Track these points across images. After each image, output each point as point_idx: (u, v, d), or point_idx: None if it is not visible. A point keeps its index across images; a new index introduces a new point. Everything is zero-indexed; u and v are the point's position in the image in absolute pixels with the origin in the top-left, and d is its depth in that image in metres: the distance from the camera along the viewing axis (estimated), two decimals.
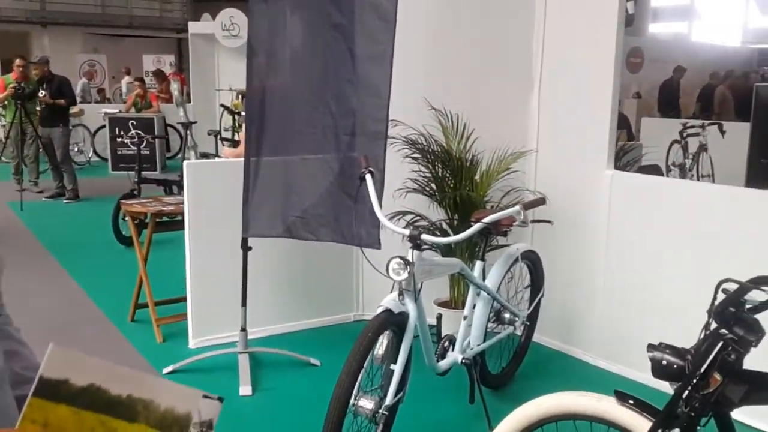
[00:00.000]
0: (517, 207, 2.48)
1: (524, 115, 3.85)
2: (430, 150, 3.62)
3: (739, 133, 8.11)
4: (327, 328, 4.08)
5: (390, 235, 2.88)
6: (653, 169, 5.42)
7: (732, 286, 1.49)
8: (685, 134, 8.10)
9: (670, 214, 3.24)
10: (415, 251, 2.48)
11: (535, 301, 3.39)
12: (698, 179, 7.93)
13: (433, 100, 3.67)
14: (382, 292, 2.51)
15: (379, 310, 2.39)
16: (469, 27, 3.86)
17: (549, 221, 2.58)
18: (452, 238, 2.57)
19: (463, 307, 3.67)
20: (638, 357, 3.41)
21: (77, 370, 0.66)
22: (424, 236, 2.45)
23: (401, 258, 2.40)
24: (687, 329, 3.13)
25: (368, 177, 2.62)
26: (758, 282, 1.38)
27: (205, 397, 0.75)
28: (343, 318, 4.17)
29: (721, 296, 1.54)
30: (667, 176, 6.96)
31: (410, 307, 2.45)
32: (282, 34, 3.28)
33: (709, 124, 8.08)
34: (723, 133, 7.75)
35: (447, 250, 3.44)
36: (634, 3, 3.83)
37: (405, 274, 2.39)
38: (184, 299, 3.77)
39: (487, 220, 2.51)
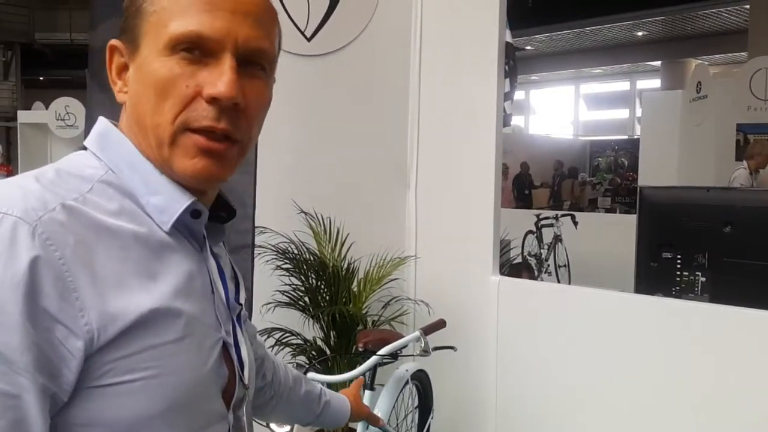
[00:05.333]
0: (417, 333, 2.14)
1: (401, 219, 3.58)
2: (302, 259, 3.24)
3: (589, 222, 8.45)
4: None
5: None
6: (525, 268, 5.33)
7: None
8: (540, 225, 8.26)
9: (563, 324, 3.03)
10: None
11: (426, 426, 3.03)
12: (555, 270, 8.07)
13: (303, 203, 3.32)
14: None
15: None
16: (338, 125, 3.59)
17: (452, 348, 2.28)
18: (345, 376, 2.18)
19: None
20: None
21: None
22: (311, 374, 2.05)
23: None
24: None
25: None
26: None
27: None
28: None
29: None
30: (534, 271, 6.97)
31: None
32: None
33: (563, 215, 8.30)
34: (576, 224, 7.97)
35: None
36: (511, 102, 3.79)
37: (287, 426, 1.95)
38: None
39: (384, 352, 2.14)
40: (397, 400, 2.82)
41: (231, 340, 0.89)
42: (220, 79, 0.79)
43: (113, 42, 0.86)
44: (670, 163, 9.25)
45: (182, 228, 0.84)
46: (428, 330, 2.17)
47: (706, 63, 16.47)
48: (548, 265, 8.29)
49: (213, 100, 0.80)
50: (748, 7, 13.38)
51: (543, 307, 3.14)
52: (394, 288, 3.43)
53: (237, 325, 0.92)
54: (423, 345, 2.12)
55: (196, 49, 0.80)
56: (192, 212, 0.84)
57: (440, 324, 2.30)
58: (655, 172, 9.59)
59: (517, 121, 24.16)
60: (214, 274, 0.89)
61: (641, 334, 2.83)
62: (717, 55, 19.31)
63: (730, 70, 17.56)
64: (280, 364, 1.32)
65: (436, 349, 2.17)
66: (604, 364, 2.89)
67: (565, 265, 8.16)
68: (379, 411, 2.65)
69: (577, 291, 2.97)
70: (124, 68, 0.86)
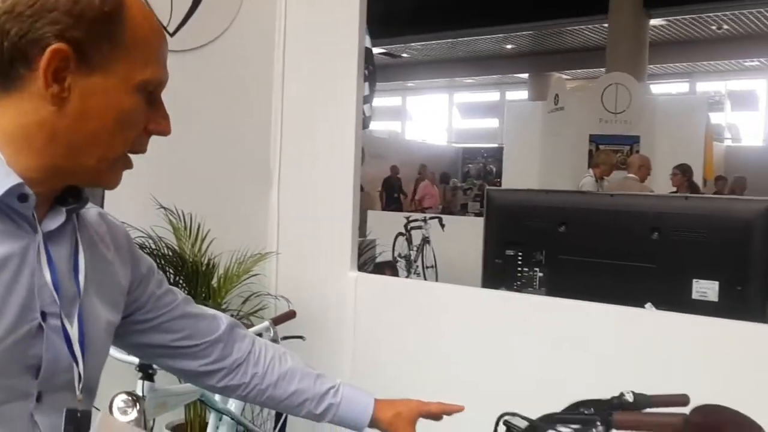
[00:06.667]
0: (266, 323, 2.22)
1: (264, 215, 3.64)
2: (160, 254, 3.23)
3: (458, 225, 8.80)
4: None
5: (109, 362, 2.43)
6: (388, 266, 5.51)
7: (514, 420, 1.37)
8: (409, 227, 8.52)
9: (416, 317, 3.19)
10: (146, 382, 2.08)
11: (282, 418, 3.10)
12: (423, 270, 8.35)
13: (163, 199, 3.31)
14: None
15: None
16: (201, 121, 3.60)
17: (301, 337, 2.36)
18: (184, 387, 2.22)
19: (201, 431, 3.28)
20: None
21: None
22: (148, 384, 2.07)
23: (128, 394, 1.99)
24: None
25: None
26: (549, 420, 1.26)
27: None
28: None
29: (501, 429, 1.41)
30: (398, 270, 7.19)
31: None
32: None
33: (431, 218, 8.61)
34: (443, 226, 8.29)
35: None
36: (370, 106, 3.93)
37: (134, 413, 1.97)
38: None
39: None
40: None
41: (56, 323, 0.92)
42: (165, 120, 1.01)
43: (61, 46, 0.87)
44: (531, 170, 9.79)
45: (8, 210, 0.89)
46: (278, 320, 2.25)
47: (566, 77, 17.50)
48: (417, 266, 8.57)
49: (154, 134, 1.01)
50: (606, 25, 14.36)
51: (398, 300, 3.29)
52: (255, 284, 3.48)
53: (72, 310, 0.94)
54: (272, 335, 2.20)
55: (152, 93, 0.97)
56: (19, 196, 0.88)
57: (290, 315, 2.39)
58: (517, 179, 10.13)
59: (393, 126, 24.66)
60: (42, 257, 0.91)
61: (486, 324, 3.04)
62: (579, 70, 20.54)
63: (586, 85, 18.72)
64: (264, 354, 1.28)
65: (285, 338, 2.26)
66: (453, 352, 3.07)
67: (432, 266, 8.47)
68: (233, 403, 2.70)
69: (429, 286, 3.15)
70: (62, 72, 0.89)
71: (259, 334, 2.35)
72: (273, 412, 3.13)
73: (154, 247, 3.22)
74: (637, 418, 1.14)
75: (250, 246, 3.46)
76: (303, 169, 3.58)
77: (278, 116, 3.64)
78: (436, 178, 13.32)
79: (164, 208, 3.31)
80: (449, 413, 1.37)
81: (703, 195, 6.78)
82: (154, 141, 3.61)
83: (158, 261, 3.23)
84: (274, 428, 3.08)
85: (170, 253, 3.27)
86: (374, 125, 22.44)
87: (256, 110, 3.67)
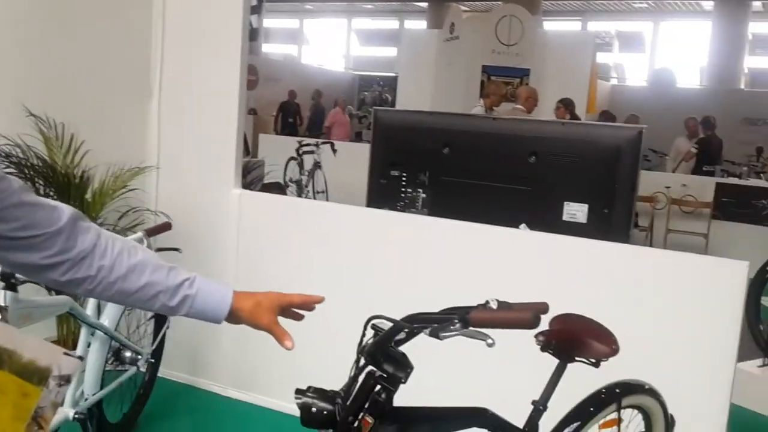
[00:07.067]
0: (139, 234, 2.15)
1: (143, 128, 3.49)
2: (29, 164, 3.06)
3: (351, 151, 8.78)
4: None
5: None
6: (276, 187, 5.46)
7: (381, 323, 1.40)
8: (301, 152, 8.45)
9: (300, 235, 3.19)
10: (8, 292, 1.99)
11: (161, 334, 3.06)
12: (314, 195, 8.34)
13: (33, 107, 3.11)
14: None
15: None
16: (77, 28, 3.38)
17: (177, 249, 2.31)
18: (54, 299, 2.14)
19: (75, 348, 3.20)
20: (268, 384, 3.35)
21: None
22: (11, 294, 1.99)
23: None
24: (319, 354, 3.14)
25: None
26: (411, 321, 1.30)
27: (66, 354, 0.85)
28: None
29: (369, 332, 1.45)
30: (286, 193, 7.14)
31: None
32: None
33: (323, 143, 8.56)
34: (335, 151, 8.26)
35: None
36: (258, 17, 3.76)
37: None
38: None
39: None
40: (126, 308, 2.81)
41: None
42: None
43: None
44: (424, 99, 9.84)
45: None
46: (152, 232, 2.19)
47: (464, 9, 17.50)
48: (308, 191, 8.55)
49: None
50: None
51: (282, 218, 3.28)
52: (133, 199, 3.36)
53: None
54: (146, 246, 2.14)
55: None
56: None
57: (165, 227, 2.34)
58: (410, 108, 10.16)
59: (290, 50, 24.07)
60: None
61: (369, 242, 3.08)
62: (477, 2, 20.58)
63: (481, 15, 18.81)
64: (112, 247, 1.18)
65: (159, 250, 2.21)
66: (335, 269, 3.11)
67: (323, 191, 8.47)
68: (106, 318, 2.63)
69: (312, 204, 3.16)
70: None
71: None
72: (150, 329, 3.09)
73: (22, 156, 3.04)
74: (492, 316, 1.20)
75: (129, 160, 3.33)
76: (186, 81, 3.44)
77: (159, 24, 3.46)
78: (339, 105, 13.12)
79: (34, 116, 3.11)
80: (309, 304, 1.35)
81: (579, 121, 7.03)
82: (24, 46, 3.38)
83: (27, 172, 3.06)
84: (152, 344, 3.05)
85: (40, 164, 3.10)
86: (269, 48, 21.78)
87: (136, 18, 3.48)
